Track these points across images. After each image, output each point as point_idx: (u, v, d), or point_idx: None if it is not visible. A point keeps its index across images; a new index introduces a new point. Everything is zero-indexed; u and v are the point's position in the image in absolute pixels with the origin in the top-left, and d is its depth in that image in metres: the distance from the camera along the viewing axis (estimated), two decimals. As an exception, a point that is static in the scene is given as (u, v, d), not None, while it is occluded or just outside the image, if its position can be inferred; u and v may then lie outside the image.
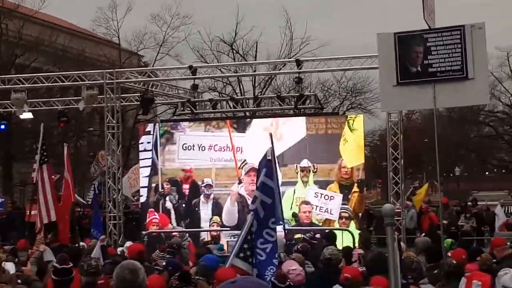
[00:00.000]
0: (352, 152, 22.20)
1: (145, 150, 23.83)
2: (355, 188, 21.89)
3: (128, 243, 16.43)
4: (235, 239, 12.03)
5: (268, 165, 10.75)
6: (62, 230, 20.45)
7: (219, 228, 22.43)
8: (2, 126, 25.67)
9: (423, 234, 21.42)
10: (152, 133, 23.66)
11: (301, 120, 22.87)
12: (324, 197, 21.86)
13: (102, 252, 14.14)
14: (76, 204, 27.85)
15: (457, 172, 68.52)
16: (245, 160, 22.50)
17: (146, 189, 23.68)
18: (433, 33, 12.46)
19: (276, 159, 11.45)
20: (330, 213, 21.80)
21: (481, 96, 13.30)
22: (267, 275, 9.90)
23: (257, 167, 21.76)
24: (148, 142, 23.70)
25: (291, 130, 22.52)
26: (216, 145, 23.07)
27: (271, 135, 12.14)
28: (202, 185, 22.96)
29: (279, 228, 11.17)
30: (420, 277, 9.59)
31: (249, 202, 21.69)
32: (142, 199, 23.94)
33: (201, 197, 22.99)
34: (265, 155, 10.85)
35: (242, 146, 22.80)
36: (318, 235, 17.51)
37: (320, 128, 22.59)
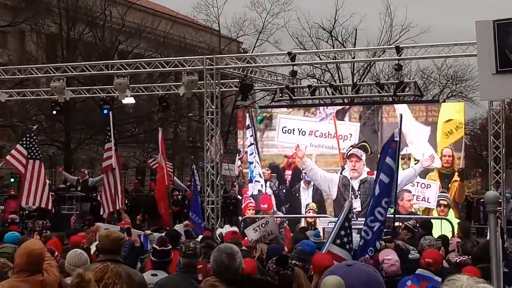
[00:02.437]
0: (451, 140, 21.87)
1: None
2: (456, 177, 21.58)
3: (227, 227, 16.63)
4: (332, 226, 12.04)
5: (393, 146, 10.72)
6: (164, 214, 20.96)
7: (315, 214, 22.47)
8: (105, 111, 26.23)
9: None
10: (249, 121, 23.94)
11: (403, 107, 22.62)
12: (421, 185, 21.62)
13: (186, 236, 14.34)
14: (174, 188, 28.43)
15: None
16: (349, 148, 22.46)
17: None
18: (534, 18, 12.12)
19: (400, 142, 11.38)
20: (428, 202, 21.55)
21: None
22: (368, 254, 9.89)
23: (357, 154, 21.94)
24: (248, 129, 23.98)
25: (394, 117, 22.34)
26: (317, 130, 23.09)
27: (401, 116, 12.07)
28: (303, 171, 23.04)
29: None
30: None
31: (354, 184, 21.82)
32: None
33: (301, 182, 23.06)
34: (393, 136, 10.82)
35: (345, 134, 22.75)
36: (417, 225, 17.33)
37: (420, 116, 22.33)
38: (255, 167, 23.66)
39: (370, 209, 10.18)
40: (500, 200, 21.83)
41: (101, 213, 20.98)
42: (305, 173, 22.97)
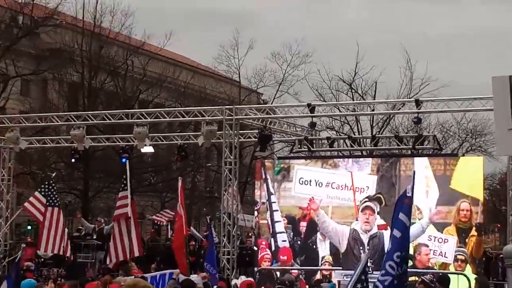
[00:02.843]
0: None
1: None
2: (473, 232, 21.36)
3: (242, 277, 16.58)
4: (347, 279, 11.95)
5: (406, 202, 10.68)
6: (180, 262, 20.85)
7: (330, 267, 22.29)
8: (124, 159, 26.34)
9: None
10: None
11: (422, 160, 22.58)
12: (438, 240, 21.44)
13: None
14: (191, 237, 28.35)
15: None
16: (364, 200, 22.36)
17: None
18: (549, 74, 12.12)
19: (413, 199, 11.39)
20: (445, 256, 21.34)
21: None
22: None
23: (372, 206, 21.84)
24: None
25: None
26: (334, 182, 23.02)
27: (414, 173, 12.05)
28: (320, 222, 22.92)
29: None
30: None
31: (363, 239, 21.63)
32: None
33: (318, 234, 22.91)
34: (405, 192, 10.78)
35: (362, 186, 22.68)
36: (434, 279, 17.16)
37: (438, 170, 22.24)
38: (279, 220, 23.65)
39: (383, 264, 10.07)
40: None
41: (107, 263, 20.82)
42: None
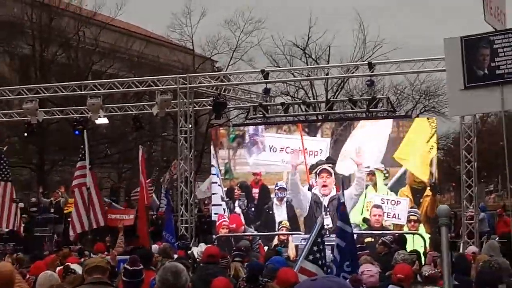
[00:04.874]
0: (422, 156, 21.99)
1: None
2: (428, 192, 21.65)
3: (202, 245, 16.64)
4: (305, 243, 12.05)
5: (341, 210, 10.80)
6: (142, 232, 20.82)
7: (287, 231, 22.47)
8: (77, 132, 26.21)
9: (497, 238, 21.12)
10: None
11: (385, 123, 22.82)
12: (391, 202, 21.71)
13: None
14: (149, 208, 28.32)
15: (536, 175, 66.87)
16: (316, 163, 22.50)
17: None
18: (500, 34, 12.28)
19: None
20: (398, 218, 21.63)
21: (551, 96, 13.03)
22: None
23: (328, 169, 22.00)
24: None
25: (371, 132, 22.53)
26: (288, 147, 23.14)
27: (342, 181, 12.21)
28: (276, 188, 23.03)
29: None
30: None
31: (323, 200, 21.83)
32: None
33: (274, 200, 23.04)
34: (339, 199, 10.94)
35: (315, 150, 22.81)
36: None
37: (393, 131, 22.46)
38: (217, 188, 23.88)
39: (336, 275, 10.15)
40: (472, 213, 22.08)
41: (70, 234, 20.69)
42: (277, 189, 22.94)
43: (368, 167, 22.05)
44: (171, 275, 6.47)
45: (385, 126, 22.52)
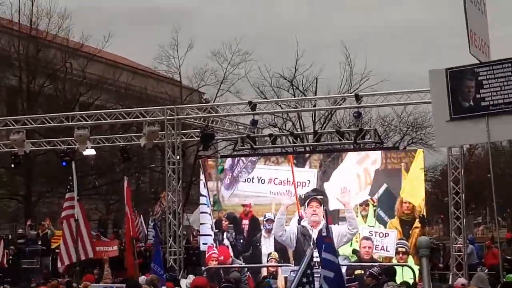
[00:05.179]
0: (413, 187, 22.06)
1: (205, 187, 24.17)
2: (417, 224, 21.69)
3: (191, 277, 16.55)
4: (294, 275, 12.00)
5: (326, 241, 10.76)
6: (129, 264, 20.72)
7: (277, 263, 22.39)
8: (64, 163, 26.18)
9: (486, 270, 21.10)
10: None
11: (374, 154, 22.85)
12: (379, 235, 21.72)
13: None
14: (138, 239, 28.17)
15: (523, 207, 67.07)
16: (308, 193, 22.50)
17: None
18: (484, 66, 12.41)
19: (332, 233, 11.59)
20: (386, 250, 21.63)
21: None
22: None
23: (318, 199, 22.00)
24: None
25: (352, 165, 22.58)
26: (276, 178, 23.13)
27: (326, 212, 12.18)
28: (264, 219, 22.99)
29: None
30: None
31: (312, 233, 21.73)
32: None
33: (262, 231, 23.00)
34: (320, 232, 10.91)
35: (303, 181, 22.81)
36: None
37: (381, 163, 22.50)
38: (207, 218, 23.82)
39: None
40: (460, 245, 22.10)
41: (59, 266, 20.55)
42: (265, 221, 22.91)
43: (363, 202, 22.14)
44: None
45: (373, 158, 22.58)
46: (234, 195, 23.63)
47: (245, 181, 23.49)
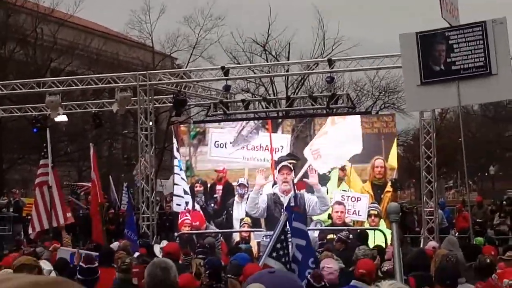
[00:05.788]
0: (386, 152, 22.19)
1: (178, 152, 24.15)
2: (388, 188, 21.82)
3: (164, 242, 16.61)
4: (267, 239, 12.07)
5: (295, 210, 10.81)
6: (96, 230, 20.70)
7: (249, 228, 22.47)
8: (35, 130, 26.03)
9: (457, 233, 21.33)
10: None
11: (352, 119, 22.92)
12: (351, 199, 21.83)
13: None
14: (110, 205, 28.15)
15: (492, 171, 67.76)
16: (280, 159, 22.53)
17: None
18: (455, 30, 12.46)
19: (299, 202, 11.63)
20: (358, 215, 21.75)
21: (506, 92, 13.24)
22: None
23: (289, 165, 22.04)
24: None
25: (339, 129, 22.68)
26: (249, 143, 23.14)
27: (293, 182, 12.20)
28: (236, 184, 23.01)
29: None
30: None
31: (283, 200, 21.77)
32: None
33: (235, 197, 23.03)
34: (289, 203, 10.97)
35: (276, 147, 22.84)
36: (351, 236, 17.48)
37: (355, 128, 22.58)
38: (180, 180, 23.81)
39: (302, 275, 10.14)
40: (432, 209, 22.30)
41: (30, 232, 20.51)
42: (238, 186, 22.94)
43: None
44: (161, 271, 6.50)
45: (347, 123, 22.69)
46: (207, 161, 23.61)
47: (217, 147, 23.44)
